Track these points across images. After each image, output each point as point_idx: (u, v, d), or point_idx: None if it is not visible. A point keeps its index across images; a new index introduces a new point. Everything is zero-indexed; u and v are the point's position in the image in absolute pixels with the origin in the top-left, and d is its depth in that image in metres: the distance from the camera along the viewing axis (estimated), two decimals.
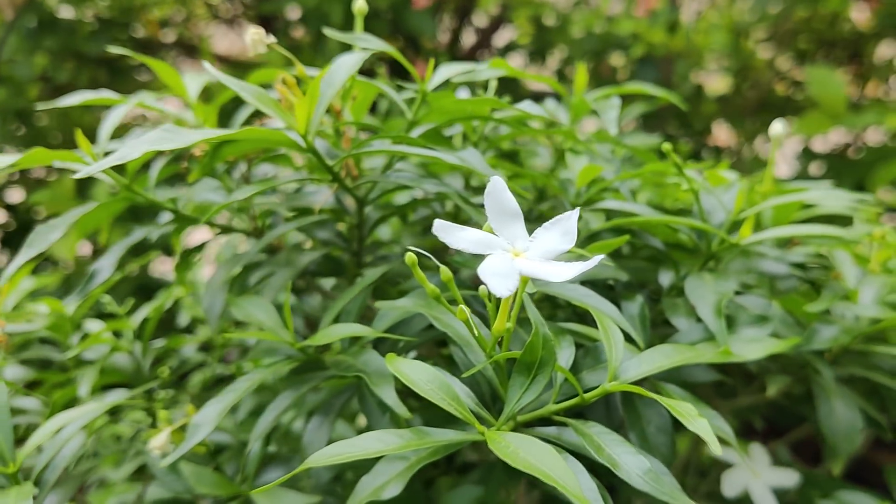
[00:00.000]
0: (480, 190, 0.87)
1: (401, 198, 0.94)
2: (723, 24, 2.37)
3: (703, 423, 0.53)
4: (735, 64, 2.37)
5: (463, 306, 0.56)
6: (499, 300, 0.57)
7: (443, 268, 0.58)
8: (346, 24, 2.13)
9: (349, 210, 0.84)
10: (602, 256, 0.48)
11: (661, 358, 0.63)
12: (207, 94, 1.38)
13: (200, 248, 0.90)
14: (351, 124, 0.77)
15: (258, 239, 0.88)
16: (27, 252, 0.71)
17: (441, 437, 0.56)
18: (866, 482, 1.12)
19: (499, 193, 0.52)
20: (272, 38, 0.75)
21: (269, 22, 2.54)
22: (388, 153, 0.70)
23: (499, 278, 0.47)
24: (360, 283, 0.73)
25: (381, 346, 0.72)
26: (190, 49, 2.64)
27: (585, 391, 0.60)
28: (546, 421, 0.62)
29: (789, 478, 0.88)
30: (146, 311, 1.01)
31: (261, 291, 0.81)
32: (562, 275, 0.48)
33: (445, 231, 0.49)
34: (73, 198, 2.30)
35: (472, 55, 2.61)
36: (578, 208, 0.52)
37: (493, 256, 0.49)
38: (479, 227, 0.56)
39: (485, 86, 0.95)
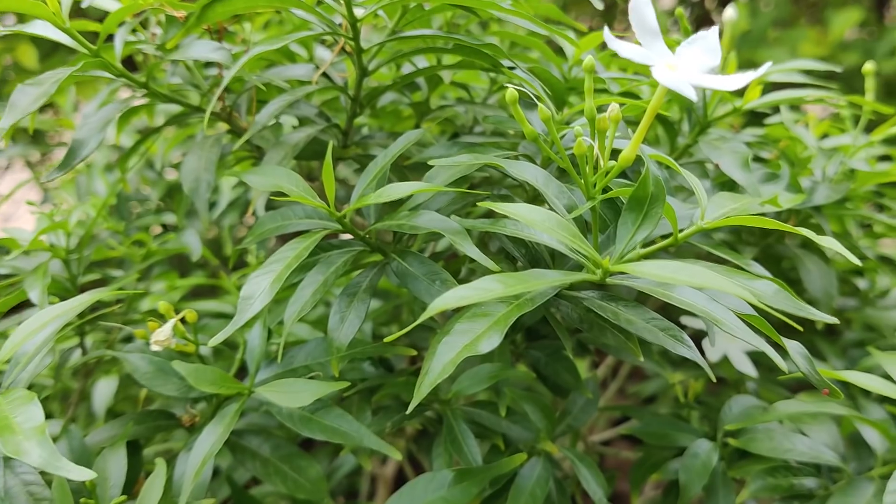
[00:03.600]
0: None
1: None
2: None
3: (833, 240, 0.54)
4: None
5: (583, 138, 0.53)
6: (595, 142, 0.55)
7: (541, 106, 0.55)
8: None
9: (338, 83, 0.78)
10: (769, 64, 0.48)
11: (729, 202, 0.64)
12: None
13: (158, 130, 0.80)
14: None
15: (227, 122, 0.79)
16: (11, 114, 0.60)
17: (557, 278, 0.53)
18: None
19: (641, 9, 0.50)
20: None
21: None
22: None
23: (684, 84, 0.45)
24: (392, 149, 0.67)
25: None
26: None
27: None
28: None
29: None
30: (77, 214, 0.89)
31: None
32: (734, 84, 0.47)
33: (612, 38, 0.46)
34: None
35: None
36: (716, 26, 0.51)
37: (661, 67, 0.47)
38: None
39: None
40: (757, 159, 0.93)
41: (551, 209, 0.60)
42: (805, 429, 0.78)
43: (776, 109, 1.02)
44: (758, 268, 0.67)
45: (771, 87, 0.89)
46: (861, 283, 1.17)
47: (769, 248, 0.90)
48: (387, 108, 0.89)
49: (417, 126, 0.91)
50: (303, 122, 0.80)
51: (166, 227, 1.26)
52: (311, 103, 0.81)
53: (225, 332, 0.59)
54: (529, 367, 0.84)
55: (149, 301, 1.09)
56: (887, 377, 0.71)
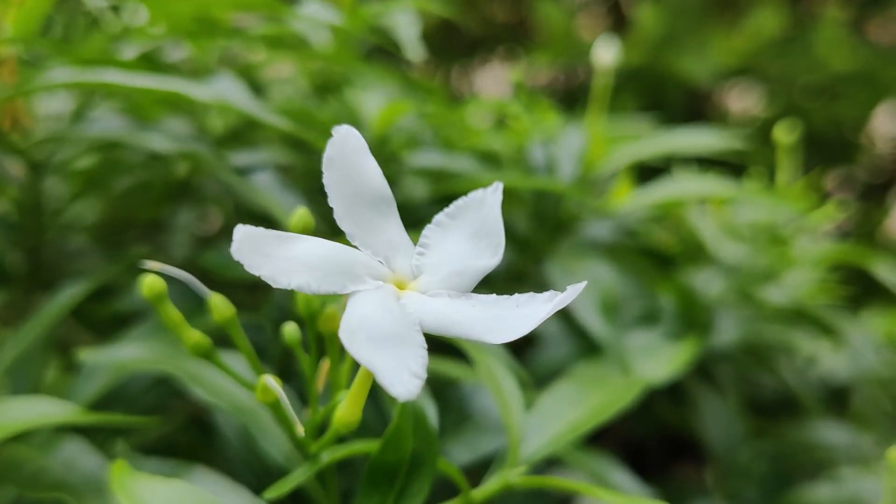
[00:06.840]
0: (229, 142, 0.58)
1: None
2: None
3: None
4: None
5: (269, 377, 0.29)
6: (318, 357, 0.32)
7: (216, 298, 0.31)
8: None
9: (15, 182, 0.52)
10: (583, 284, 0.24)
11: (568, 409, 0.40)
12: None
13: None
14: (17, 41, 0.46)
15: None
16: None
17: None
18: None
19: (351, 155, 0.25)
20: None
21: None
22: (89, 85, 0.40)
23: (390, 353, 0.21)
24: (41, 316, 0.42)
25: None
26: None
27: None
28: None
29: None
30: None
31: None
32: (511, 331, 0.23)
33: (253, 245, 0.22)
34: None
35: None
36: (499, 183, 0.27)
37: (365, 296, 0.22)
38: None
39: None
40: (648, 252, 0.70)
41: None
42: None
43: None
44: (623, 478, 0.44)
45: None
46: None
47: None
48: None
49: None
50: None
51: None
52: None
53: None
54: None
55: None
56: None
